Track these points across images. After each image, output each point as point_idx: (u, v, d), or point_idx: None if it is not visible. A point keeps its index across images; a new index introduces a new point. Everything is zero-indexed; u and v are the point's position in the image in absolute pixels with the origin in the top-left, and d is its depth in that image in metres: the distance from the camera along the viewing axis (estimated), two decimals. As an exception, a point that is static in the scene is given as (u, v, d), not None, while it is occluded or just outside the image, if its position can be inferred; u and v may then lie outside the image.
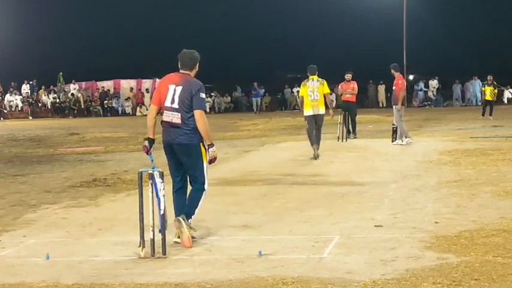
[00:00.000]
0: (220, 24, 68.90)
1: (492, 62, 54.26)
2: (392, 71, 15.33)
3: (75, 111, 38.07)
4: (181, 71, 6.27)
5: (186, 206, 6.16)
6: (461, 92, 37.30)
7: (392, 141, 14.96)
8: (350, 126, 17.47)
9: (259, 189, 9.19)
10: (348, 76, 17.88)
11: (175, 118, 6.12)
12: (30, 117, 36.85)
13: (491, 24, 64.97)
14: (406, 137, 14.95)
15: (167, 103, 6.15)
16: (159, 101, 6.22)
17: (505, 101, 37.36)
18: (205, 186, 6.24)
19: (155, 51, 66.03)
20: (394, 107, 15.23)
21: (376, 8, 52.54)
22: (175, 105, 6.11)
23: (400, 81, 15.26)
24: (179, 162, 6.24)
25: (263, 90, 40.17)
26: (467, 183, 8.97)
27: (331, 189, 9.00)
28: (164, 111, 6.20)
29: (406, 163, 11.58)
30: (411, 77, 54.41)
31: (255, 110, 38.08)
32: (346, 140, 16.37)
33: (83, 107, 38.82)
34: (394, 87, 15.36)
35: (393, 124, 15.21)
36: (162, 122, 6.21)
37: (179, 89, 6.13)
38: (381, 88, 39.95)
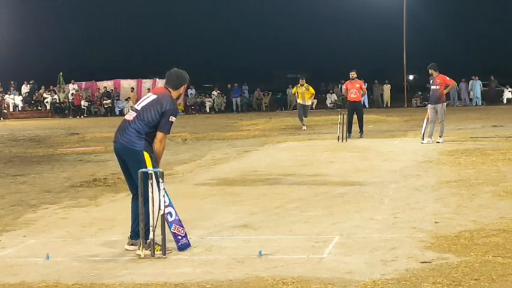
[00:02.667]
0: (220, 24, 68.91)
1: (492, 62, 54.26)
2: (431, 71, 15.25)
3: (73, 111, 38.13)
4: (165, 85, 6.13)
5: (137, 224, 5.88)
6: (457, 93, 37.01)
7: (438, 141, 14.79)
8: (350, 126, 17.42)
9: (259, 189, 9.18)
10: (352, 74, 17.83)
11: (129, 115, 5.96)
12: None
13: (491, 24, 64.97)
14: (430, 137, 14.97)
15: (136, 105, 6.12)
16: None
17: (505, 101, 37.32)
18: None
19: (155, 51, 66.11)
20: (435, 105, 15.13)
21: (376, 8, 52.60)
22: (138, 107, 5.97)
23: (439, 80, 15.06)
24: (125, 164, 6.01)
25: (246, 88, 40.94)
26: (467, 183, 8.97)
27: (331, 189, 9.00)
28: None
29: (406, 163, 11.57)
30: (411, 77, 54.52)
31: (234, 110, 39.20)
32: (346, 140, 16.37)
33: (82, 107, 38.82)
34: (436, 87, 15.12)
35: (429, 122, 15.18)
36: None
37: (153, 97, 5.98)
38: (386, 88, 39.71)
